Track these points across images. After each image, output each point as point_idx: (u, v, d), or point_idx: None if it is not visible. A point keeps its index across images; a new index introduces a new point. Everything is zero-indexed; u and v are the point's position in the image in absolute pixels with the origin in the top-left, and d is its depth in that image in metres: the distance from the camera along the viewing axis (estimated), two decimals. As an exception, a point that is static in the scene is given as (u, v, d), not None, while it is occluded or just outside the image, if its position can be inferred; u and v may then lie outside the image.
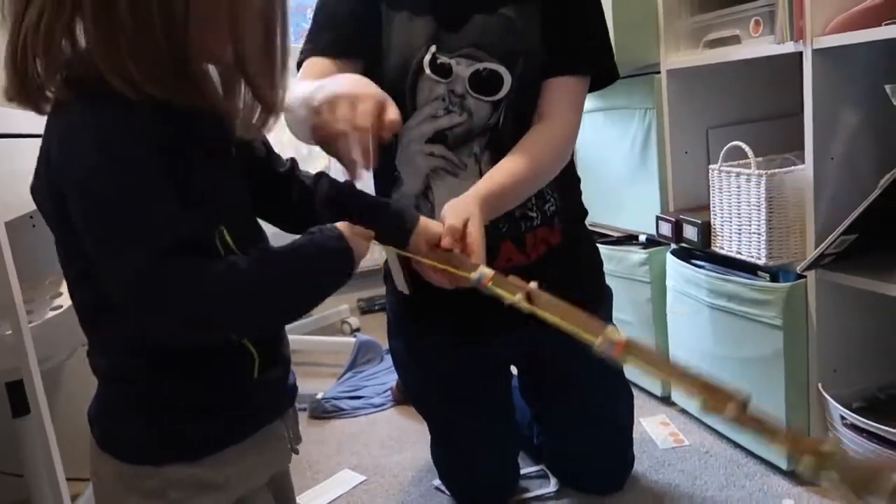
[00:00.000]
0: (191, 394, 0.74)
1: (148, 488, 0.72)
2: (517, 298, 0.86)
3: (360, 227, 0.81)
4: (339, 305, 2.94)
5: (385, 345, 2.43)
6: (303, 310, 0.81)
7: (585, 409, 1.49)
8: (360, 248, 0.80)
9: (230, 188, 0.78)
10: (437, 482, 1.64)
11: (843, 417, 1.38)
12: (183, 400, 0.73)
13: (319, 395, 2.19)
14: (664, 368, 0.84)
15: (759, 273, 1.53)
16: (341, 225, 0.79)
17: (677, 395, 1.89)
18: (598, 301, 1.52)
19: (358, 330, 2.81)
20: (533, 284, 0.87)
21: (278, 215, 0.93)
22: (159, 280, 0.63)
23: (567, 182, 1.42)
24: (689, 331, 1.75)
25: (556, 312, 0.83)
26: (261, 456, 0.80)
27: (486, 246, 0.99)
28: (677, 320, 1.80)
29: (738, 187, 1.51)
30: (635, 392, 1.64)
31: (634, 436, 1.62)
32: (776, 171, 1.44)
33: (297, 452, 0.93)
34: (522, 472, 1.63)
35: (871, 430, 1.30)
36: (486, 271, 0.90)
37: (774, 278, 1.49)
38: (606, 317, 1.56)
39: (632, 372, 1.61)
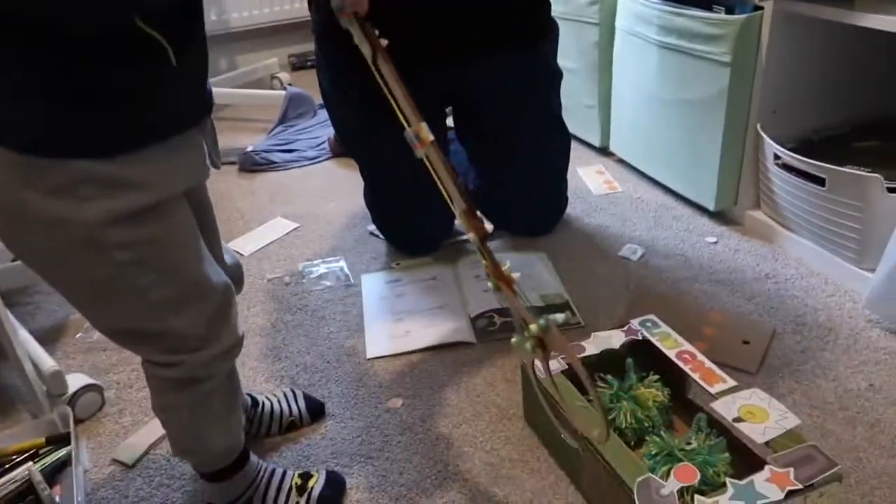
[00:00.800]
0: (101, 77, 0.63)
1: (53, 183, 0.65)
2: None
3: None
4: (267, 59, 2.72)
5: (319, 99, 2.32)
6: None
7: (520, 150, 1.46)
8: None
9: None
10: (371, 227, 1.63)
11: (776, 156, 1.38)
12: (91, 84, 0.63)
13: (249, 148, 2.09)
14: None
15: (715, 7, 1.43)
16: None
17: (614, 146, 1.88)
18: (545, 35, 1.42)
19: (290, 85, 2.64)
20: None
21: None
22: None
23: None
24: (634, 74, 1.67)
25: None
26: (179, 162, 0.73)
27: None
28: (623, 64, 1.71)
29: None
30: (573, 144, 1.60)
31: (571, 184, 1.62)
32: None
33: (217, 167, 0.87)
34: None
35: (801, 167, 1.31)
36: None
37: (730, 11, 1.39)
38: (552, 53, 1.47)
39: (570, 122, 1.55)
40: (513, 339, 0.79)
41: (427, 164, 0.81)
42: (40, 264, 0.72)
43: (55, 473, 1.01)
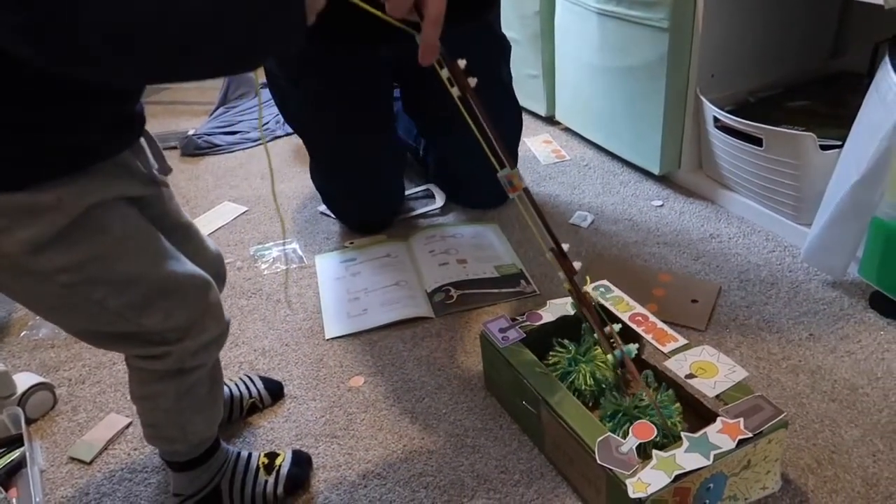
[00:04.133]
0: (4, 112, 0.60)
1: None
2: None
3: None
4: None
5: (260, 79, 2.26)
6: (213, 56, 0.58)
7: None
8: None
9: None
10: (322, 207, 1.61)
11: (716, 119, 1.42)
12: None
13: (191, 132, 2.04)
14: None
15: (651, -27, 1.45)
16: None
17: (560, 115, 1.90)
18: (489, 4, 1.41)
19: (228, 65, 2.57)
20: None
21: None
22: None
23: None
24: (576, 42, 1.69)
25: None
26: (99, 176, 0.69)
27: None
28: (564, 33, 1.73)
29: None
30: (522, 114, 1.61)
31: (519, 154, 1.63)
32: None
33: (165, 174, 0.83)
34: (408, 192, 1.63)
35: (739, 128, 1.35)
36: None
37: (666, -23, 1.41)
38: (497, 22, 1.46)
39: (516, 92, 1.56)
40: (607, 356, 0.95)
41: (519, 205, 0.87)
42: None
43: (10, 476, 0.98)
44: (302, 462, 0.96)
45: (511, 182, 0.86)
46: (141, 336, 0.76)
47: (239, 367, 1.18)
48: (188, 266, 0.78)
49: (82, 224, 0.67)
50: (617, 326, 0.95)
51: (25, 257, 0.65)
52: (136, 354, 0.79)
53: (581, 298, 0.92)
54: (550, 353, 1.00)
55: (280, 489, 0.93)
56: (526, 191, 0.86)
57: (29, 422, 1.08)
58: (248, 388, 1.08)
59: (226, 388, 1.07)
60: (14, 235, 0.64)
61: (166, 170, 0.82)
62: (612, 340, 0.93)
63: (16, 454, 0.99)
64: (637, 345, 0.95)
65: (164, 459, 0.92)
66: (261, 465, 0.94)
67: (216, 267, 0.90)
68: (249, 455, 0.95)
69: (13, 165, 0.63)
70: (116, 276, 0.71)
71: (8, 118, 0.61)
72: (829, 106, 1.45)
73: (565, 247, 0.91)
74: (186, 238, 0.86)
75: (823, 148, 1.24)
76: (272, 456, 0.96)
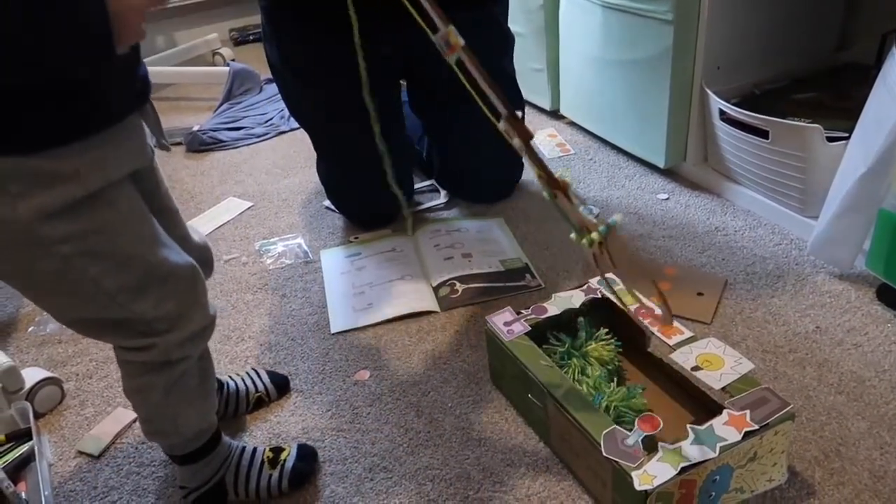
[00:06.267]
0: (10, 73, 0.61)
1: None
2: None
3: None
4: (207, 35, 2.64)
5: (264, 74, 2.26)
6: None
7: (474, 118, 1.45)
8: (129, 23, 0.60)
9: None
10: (327, 202, 1.62)
11: (721, 111, 1.41)
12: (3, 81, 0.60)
13: (195, 128, 2.04)
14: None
15: (656, -35, 1.44)
16: None
17: (565, 109, 1.89)
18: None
19: (233, 61, 2.57)
20: None
21: None
22: None
23: None
24: (580, 36, 1.68)
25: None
26: (113, 149, 0.70)
27: None
28: (569, 27, 1.72)
29: None
30: (525, 108, 1.61)
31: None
32: None
33: (167, 149, 0.85)
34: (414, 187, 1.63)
35: (746, 121, 1.35)
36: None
37: (671, -31, 1.40)
38: (504, 15, 1.46)
39: (520, 86, 1.55)
40: (571, 236, 0.82)
41: (457, 71, 0.75)
42: None
43: (19, 470, 0.98)
44: (307, 456, 0.97)
45: (447, 42, 0.74)
46: (130, 324, 0.76)
47: (245, 361, 1.18)
48: (180, 254, 0.79)
49: (96, 197, 0.68)
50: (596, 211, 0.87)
51: (37, 223, 0.65)
52: (123, 346, 0.79)
53: (545, 168, 0.82)
54: (544, 346, 0.99)
55: (285, 483, 0.93)
56: (465, 49, 0.74)
57: (37, 416, 1.08)
58: (254, 382, 1.09)
59: (232, 383, 1.07)
60: (30, 201, 0.64)
61: (166, 144, 0.83)
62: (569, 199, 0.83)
63: (24, 448, 1.00)
64: (620, 215, 0.88)
65: (166, 453, 0.92)
66: (266, 459, 0.94)
67: (203, 253, 0.91)
68: (255, 449, 0.95)
69: (29, 127, 0.63)
70: (115, 253, 0.72)
71: (18, 83, 0.61)
72: (835, 98, 1.44)
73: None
74: (174, 223, 0.86)
75: (830, 140, 1.23)
76: (277, 450, 0.96)
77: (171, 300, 0.77)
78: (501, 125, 0.79)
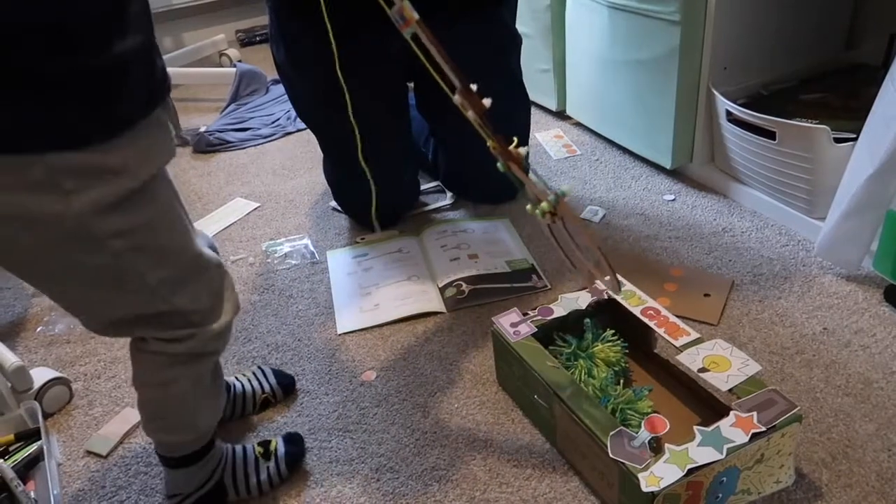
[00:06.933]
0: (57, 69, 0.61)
1: (32, 180, 0.63)
2: None
3: None
4: (214, 36, 2.65)
5: (271, 75, 2.27)
6: None
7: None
8: None
9: None
10: (334, 203, 1.62)
11: (728, 112, 1.41)
12: (48, 75, 0.61)
13: (203, 129, 2.04)
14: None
15: (663, -34, 1.44)
16: None
17: (571, 110, 1.89)
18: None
19: (240, 62, 2.58)
20: None
21: None
22: None
23: None
24: (587, 37, 1.68)
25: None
26: (152, 142, 0.71)
27: None
28: (575, 27, 1.72)
29: None
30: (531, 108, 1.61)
31: (530, 149, 1.62)
32: None
33: (186, 142, 0.85)
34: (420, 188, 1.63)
35: (753, 121, 1.34)
36: None
37: (677, -30, 1.40)
38: (511, 17, 1.45)
39: (527, 87, 1.55)
40: (527, 207, 0.83)
41: (414, 46, 0.73)
42: (26, 266, 0.70)
43: (28, 469, 0.99)
44: (294, 440, 1.00)
45: (402, 16, 0.71)
46: (171, 317, 0.76)
47: (252, 361, 1.19)
48: (207, 248, 0.80)
49: (144, 189, 0.69)
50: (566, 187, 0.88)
51: (91, 218, 0.65)
52: (159, 337, 0.79)
53: (497, 139, 0.81)
54: (550, 347, 0.99)
55: (283, 468, 0.95)
56: (420, 24, 0.72)
57: (46, 416, 1.09)
58: (260, 383, 1.09)
59: (238, 384, 1.08)
60: (84, 196, 0.64)
61: (185, 139, 0.84)
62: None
63: (33, 448, 1.01)
64: (568, 185, 0.89)
65: (160, 455, 0.91)
66: (258, 455, 0.96)
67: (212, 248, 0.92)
68: (244, 448, 0.97)
69: (78, 120, 0.63)
70: (159, 246, 0.72)
71: (61, 77, 0.61)
72: (843, 98, 1.44)
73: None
74: (188, 217, 0.87)
75: (837, 141, 1.22)
76: (265, 444, 0.98)
77: (207, 293, 0.78)
78: (456, 98, 0.78)
